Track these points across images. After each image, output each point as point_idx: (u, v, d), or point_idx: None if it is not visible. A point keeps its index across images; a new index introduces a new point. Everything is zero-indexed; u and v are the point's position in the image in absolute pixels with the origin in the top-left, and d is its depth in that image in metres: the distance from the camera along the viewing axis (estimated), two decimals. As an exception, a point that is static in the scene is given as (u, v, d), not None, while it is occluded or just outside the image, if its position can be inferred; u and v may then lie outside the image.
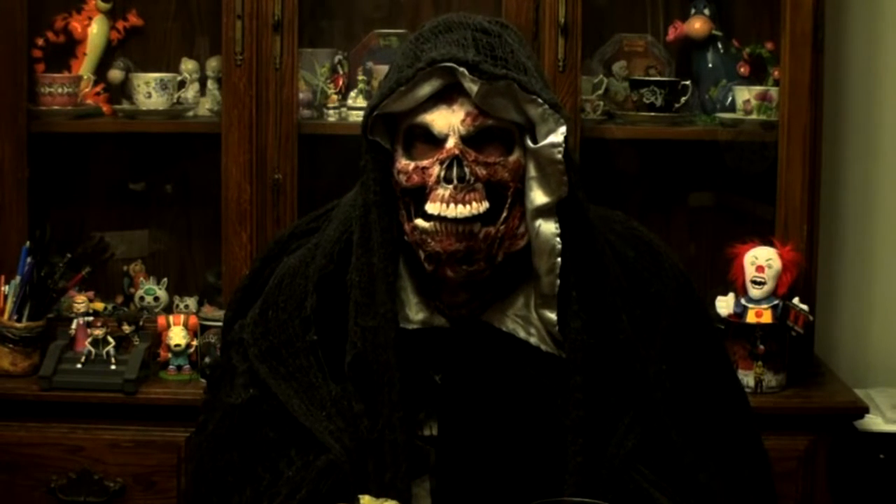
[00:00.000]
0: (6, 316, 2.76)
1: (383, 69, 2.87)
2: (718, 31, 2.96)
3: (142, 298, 2.99)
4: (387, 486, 1.70)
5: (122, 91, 3.01)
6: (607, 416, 1.75)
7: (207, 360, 2.72)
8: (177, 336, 2.76)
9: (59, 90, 2.88)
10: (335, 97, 2.88)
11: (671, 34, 2.99)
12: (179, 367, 2.76)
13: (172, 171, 3.09)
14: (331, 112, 2.88)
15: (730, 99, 2.93)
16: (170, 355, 2.77)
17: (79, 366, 2.71)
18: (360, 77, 2.87)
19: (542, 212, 1.70)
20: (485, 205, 1.69)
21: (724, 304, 2.72)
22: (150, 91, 2.90)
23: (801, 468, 2.65)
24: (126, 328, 2.79)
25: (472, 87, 1.67)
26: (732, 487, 1.83)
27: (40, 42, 2.91)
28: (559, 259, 1.71)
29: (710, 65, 2.98)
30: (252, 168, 2.77)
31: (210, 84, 2.99)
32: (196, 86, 2.99)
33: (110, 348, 2.73)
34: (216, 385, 1.92)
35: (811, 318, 2.73)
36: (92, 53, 2.98)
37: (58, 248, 2.95)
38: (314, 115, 2.89)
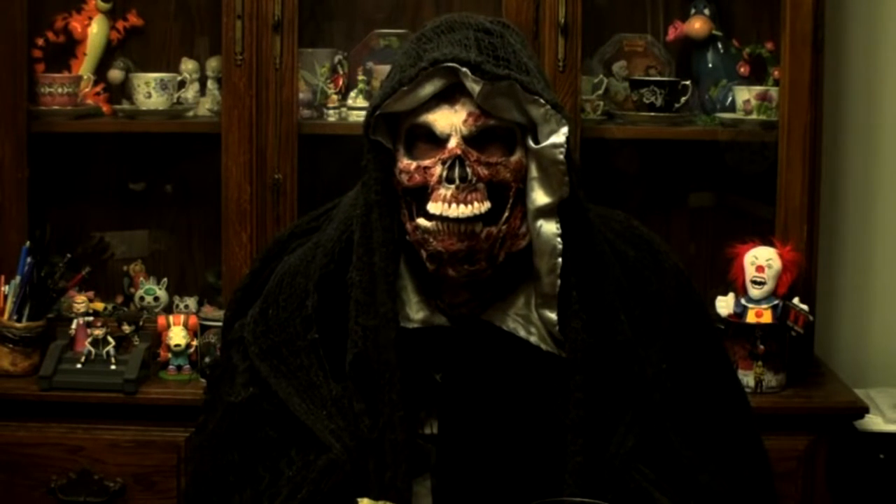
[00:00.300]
0: (6, 316, 2.76)
1: (383, 69, 2.87)
2: (718, 31, 2.96)
3: (142, 298, 2.99)
4: (387, 486, 1.70)
5: (122, 91, 3.01)
6: (607, 416, 1.75)
7: (207, 360, 2.72)
8: (177, 336, 2.76)
9: (59, 90, 2.88)
10: (335, 97, 2.88)
11: (671, 34, 2.99)
12: (179, 367, 2.76)
13: (172, 171, 3.08)
14: (331, 112, 2.88)
15: (730, 99, 2.93)
16: (170, 355, 2.76)
17: (79, 366, 2.71)
18: (360, 77, 2.87)
19: (544, 212, 1.71)
20: (486, 205, 1.70)
21: (724, 304, 2.72)
22: (150, 91, 2.90)
23: (801, 468, 2.65)
24: (126, 328, 2.79)
25: (475, 88, 1.67)
26: (733, 488, 1.83)
27: (40, 42, 2.91)
28: (560, 259, 1.71)
29: (710, 65, 2.98)
30: (252, 168, 2.77)
31: (210, 84, 2.99)
32: (196, 86, 2.99)
33: (110, 348, 2.73)
34: (216, 384, 1.93)
35: (811, 318, 2.73)
36: (92, 53, 2.98)
37: (58, 248, 2.95)
38: (314, 115, 2.88)
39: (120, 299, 3.05)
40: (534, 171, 1.71)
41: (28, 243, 2.79)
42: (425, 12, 3.00)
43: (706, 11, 2.96)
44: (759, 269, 2.70)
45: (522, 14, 2.72)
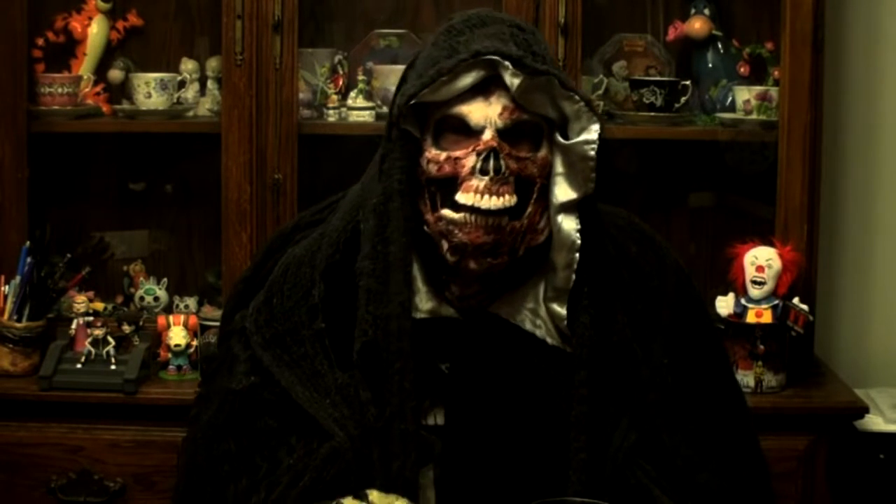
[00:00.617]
0: (6, 316, 2.76)
1: (383, 69, 2.88)
2: (718, 31, 2.96)
3: (142, 298, 2.99)
4: (393, 475, 1.70)
5: (122, 91, 3.01)
6: (610, 412, 1.75)
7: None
8: (177, 336, 2.76)
9: (59, 90, 2.88)
10: (335, 97, 2.88)
11: (671, 34, 2.99)
12: (179, 368, 2.76)
13: (172, 171, 3.08)
14: (331, 112, 2.88)
15: (730, 99, 2.93)
16: (170, 355, 2.77)
17: (79, 366, 2.71)
18: (360, 77, 2.87)
19: (566, 207, 1.72)
20: (514, 198, 1.71)
21: (724, 304, 2.72)
22: (150, 91, 2.90)
23: (800, 468, 2.65)
24: (126, 328, 2.79)
25: (514, 81, 1.68)
26: (731, 487, 1.83)
27: (40, 42, 2.91)
28: (577, 254, 1.72)
29: (710, 65, 2.98)
30: (252, 168, 2.77)
31: (210, 84, 2.99)
32: (196, 86, 2.99)
33: (110, 348, 2.73)
34: (211, 377, 1.91)
35: (811, 318, 2.73)
36: (92, 53, 2.98)
37: (58, 248, 2.96)
38: (314, 115, 2.88)
39: (120, 299, 3.05)
40: (559, 167, 1.72)
41: (28, 243, 2.79)
42: (425, 12, 2.99)
43: (706, 11, 2.96)
44: (759, 269, 2.70)
45: (522, 14, 2.71)
